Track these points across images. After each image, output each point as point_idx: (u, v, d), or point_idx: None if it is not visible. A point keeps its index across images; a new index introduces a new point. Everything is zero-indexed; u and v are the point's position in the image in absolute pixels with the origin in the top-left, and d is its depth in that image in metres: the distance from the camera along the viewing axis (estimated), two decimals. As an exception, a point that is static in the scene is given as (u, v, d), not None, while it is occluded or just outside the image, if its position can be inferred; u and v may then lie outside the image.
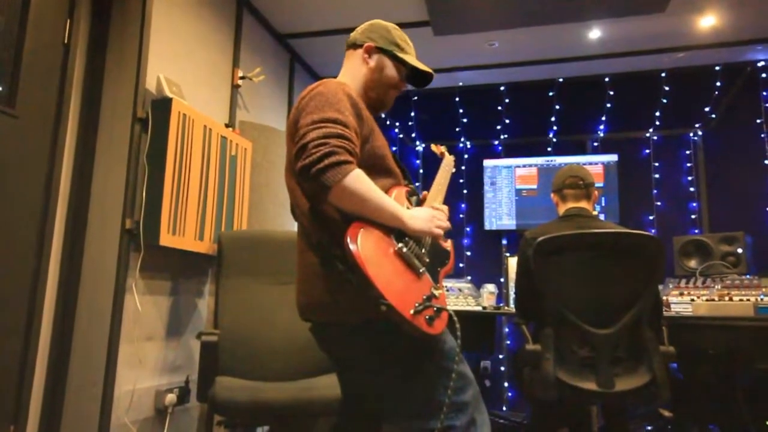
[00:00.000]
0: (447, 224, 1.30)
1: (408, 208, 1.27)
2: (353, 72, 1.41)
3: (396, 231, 1.19)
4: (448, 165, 1.60)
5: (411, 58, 1.42)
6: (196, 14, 2.68)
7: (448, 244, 1.38)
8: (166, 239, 2.17)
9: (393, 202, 1.20)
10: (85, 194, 2.19)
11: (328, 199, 1.13)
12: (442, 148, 1.67)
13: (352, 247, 1.09)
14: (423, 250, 1.24)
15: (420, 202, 1.40)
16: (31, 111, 1.94)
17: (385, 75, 1.40)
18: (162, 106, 2.24)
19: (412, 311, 1.10)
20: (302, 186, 1.23)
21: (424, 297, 1.16)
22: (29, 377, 1.92)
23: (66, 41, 2.10)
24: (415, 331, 1.11)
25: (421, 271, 1.20)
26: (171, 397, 2.31)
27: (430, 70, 1.44)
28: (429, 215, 1.25)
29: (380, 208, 1.16)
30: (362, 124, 1.25)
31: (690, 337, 2.34)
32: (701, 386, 2.75)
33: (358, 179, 1.12)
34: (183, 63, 2.57)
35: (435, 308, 1.16)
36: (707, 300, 2.42)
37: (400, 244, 1.18)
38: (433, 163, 4.37)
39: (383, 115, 1.45)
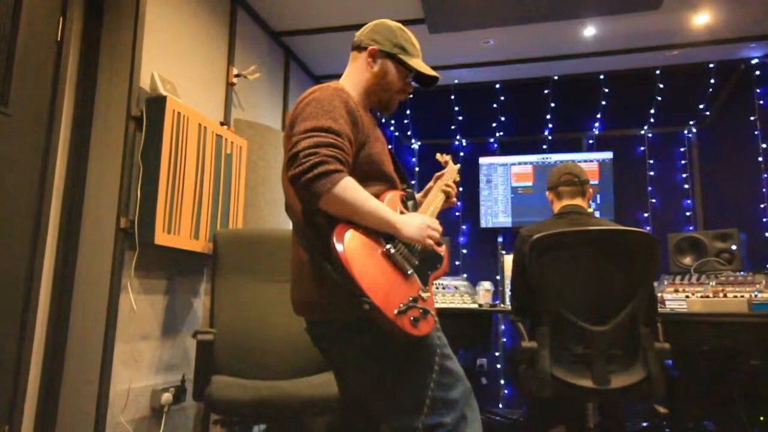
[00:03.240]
0: (438, 233, 1.27)
1: (402, 212, 1.27)
2: (356, 75, 1.39)
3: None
4: (450, 174, 1.58)
5: (416, 61, 1.40)
6: (190, 11, 2.67)
7: (442, 249, 1.37)
8: (161, 238, 2.17)
9: (385, 208, 1.20)
10: (80, 193, 2.18)
11: (318, 207, 1.14)
12: (447, 157, 1.66)
13: (338, 246, 1.10)
14: (413, 252, 1.24)
15: (416, 207, 1.39)
16: (24, 109, 1.93)
17: (388, 80, 1.38)
18: (156, 104, 2.23)
19: (396, 311, 1.10)
20: (294, 189, 1.23)
21: (411, 298, 1.16)
22: (24, 376, 1.91)
23: (59, 39, 2.09)
24: (397, 331, 1.11)
25: (409, 272, 1.20)
26: (167, 396, 2.30)
27: (436, 74, 1.41)
28: (423, 223, 1.24)
29: (371, 214, 1.16)
30: (357, 131, 1.25)
31: (685, 334, 2.35)
32: (696, 382, 2.77)
33: (347, 188, 1.13)
34: (177, 61, 2.55)
35: (420, 309, 1.15)
36: (702, 297, 2.43)
37: (389, 245, 1.18)
38: (429, 161, 4.38)
39: (378, 113, 1.45)
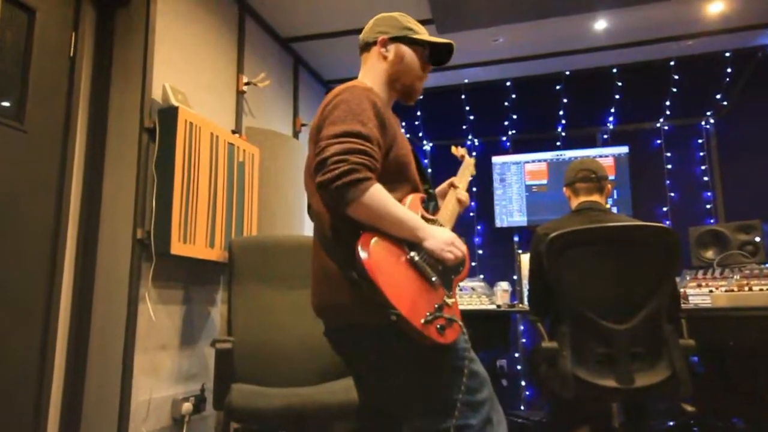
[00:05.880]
0: (461, 253, 1.26)
1: (423, 216, 1.27)
2: (373, 71, 1.38)
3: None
4: (467, 168, 1.58)
5: (426, 36, 1.40)
6: (198, 21, 2.70)
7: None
8: (177, 248, 2.19)
9: (412, 216, 1.20)
10: (96, 206, 2.22)
11: (346, 214, 1.14)
12: (462, 151, 1.65)
13: (362, 255, 1.10)
14: (437, 259, 1.24)
15: (437, 209, 1.39)
16: (39, 125, 1.97)
17: (406, 63, 1.36)
18: (168, 114, 2.26)
19: (422, 321, 1.10)
20: (320, 198, 1.23)
21: (436, 306, 1.16)
22: (47, 389, 1.95)
23: (72, 54, 2.13)
24: (425, 341, 1.11)
25: (433, 279, 1.20)
26: (187, 406, 2.33)
27: (450, 41, 1.40)
28: (449, 239, 1.23)
29: (398, 223, 1.16)
30: (385, 134, 1.24)
31: (710, 330, 2.31)
32: (723, 379, 2.72)
33: (376, 196, 1.12)
34: (188, 71, 2.59)
35: (446, 318, 1.15)
36: (726, 291, 2.39)
37: (413, 253, 1.18)
38: (440, 162, 4.37)
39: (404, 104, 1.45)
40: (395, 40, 1.36)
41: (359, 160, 1.12)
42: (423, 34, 1.40)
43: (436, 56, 1.43)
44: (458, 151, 1.67)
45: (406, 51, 1.37)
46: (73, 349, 2.11)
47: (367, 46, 1.40)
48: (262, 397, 1.95)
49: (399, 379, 1.24)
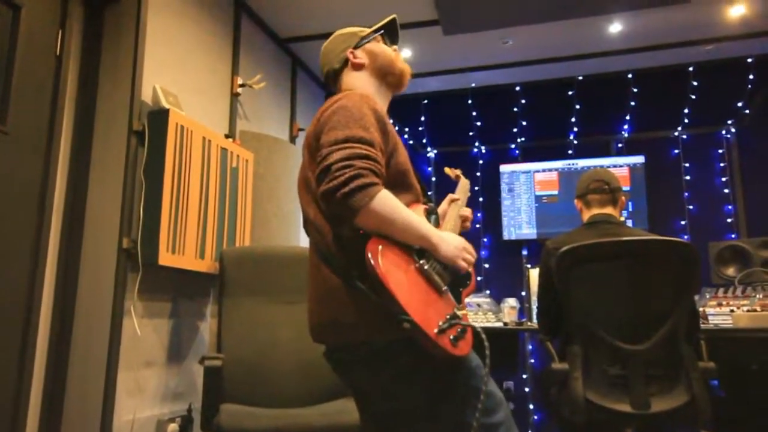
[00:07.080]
0: (473, 259, 1.29)
1: None
2: (357, 81, 1.43)
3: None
4: (463, 190, 1.61)
5: (374, 26, 1.50)
6: (192, 20, 2.73)
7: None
8: (165, 258, 2.19)
9: (422, 221, 1.21)
10: (80, 212, 2.22)
11: (354, 223, 1.14)
12: (457, 171, 1.69)
13: (372, 261, 1.10)
14: (445, 268, 1.25)
15: (438, 223, 1.40)
16: (22, 126, 1.98)
17: (381, 53, 1.45)
18: (159, 117, 2.27)
19: (436, 330, 1.10)
20: (324, 208, 1.23)
21: (448, 316, 1.16)
22: (24, 408, 1.93)
23: (58, 53, 2.14)
24: (439, 352, 1.11)
25: (443, 289, 1.20)
26: (173, 427, 2.31)
27: (392, 16, 1.52)
28: (460, 244, 1.25)
29: (409, 229, 1.17)
30: (387, 140, 1.26)
31: (731, 351, 2.31)
32: (745, 404, 2.71)
33: (385, 201, 1.13)
34: (180, 72, 2.61)
35: (460, 328, 1.15)
36: (748, 310, 2.39)
37: (422, 261, 1.18)
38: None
39: (391, 121, 1.50)
40: (357, 46, 1.46)
41: (364, 164, 1.12)
42: (368, 29, 1.51)
43: (391, 39, 1.53)
44: (453, 171, 1.70)
45: (374, 47, 1.46)
46: (53, 365, 2.10)
47: (336, 74, 1.47)
48: (253, 419, 1.95)
49: (407, 401, 1.23)
